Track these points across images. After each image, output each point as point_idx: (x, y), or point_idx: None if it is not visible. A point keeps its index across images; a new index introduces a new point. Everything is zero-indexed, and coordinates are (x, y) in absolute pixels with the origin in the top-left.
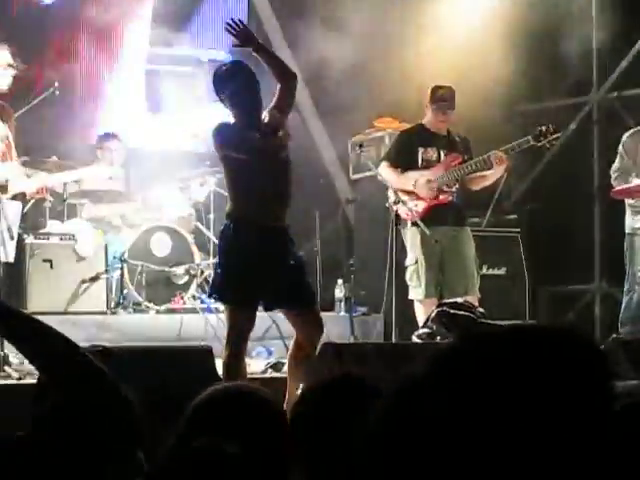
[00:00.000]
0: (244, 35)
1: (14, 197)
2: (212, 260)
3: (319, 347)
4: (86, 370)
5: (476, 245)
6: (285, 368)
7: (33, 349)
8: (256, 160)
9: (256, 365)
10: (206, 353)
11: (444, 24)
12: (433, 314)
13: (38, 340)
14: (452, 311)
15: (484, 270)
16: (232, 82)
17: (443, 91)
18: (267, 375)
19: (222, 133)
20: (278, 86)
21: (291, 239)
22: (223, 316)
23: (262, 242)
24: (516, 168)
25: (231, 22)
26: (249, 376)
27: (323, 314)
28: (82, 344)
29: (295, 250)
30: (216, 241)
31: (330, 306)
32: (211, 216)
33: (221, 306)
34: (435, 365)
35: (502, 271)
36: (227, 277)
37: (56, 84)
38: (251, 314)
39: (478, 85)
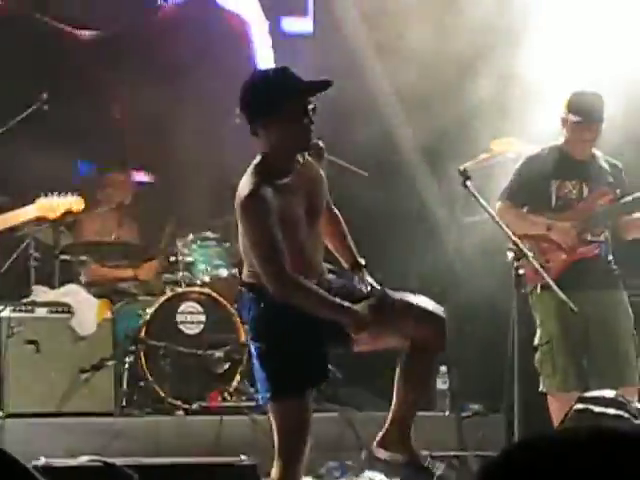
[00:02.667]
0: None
1: None
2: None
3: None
4: None
5: (637, 315)
6: None
7: None
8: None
9: None
10: (249, 472)
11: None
12: (571, 413)
13: None
14: (597, 409)
15: None
16: (283, 100)
17: (587, 99)
18: None
19: (258, 206)
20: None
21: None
22: None
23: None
24: None
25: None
26: None
27: (422, 414)
28: (81, 458)
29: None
30: None
31: (430, 403)
32: None
33: None
34: None
35: None
36: (281, 362)
37: (44, 95)
38: (310, 405)
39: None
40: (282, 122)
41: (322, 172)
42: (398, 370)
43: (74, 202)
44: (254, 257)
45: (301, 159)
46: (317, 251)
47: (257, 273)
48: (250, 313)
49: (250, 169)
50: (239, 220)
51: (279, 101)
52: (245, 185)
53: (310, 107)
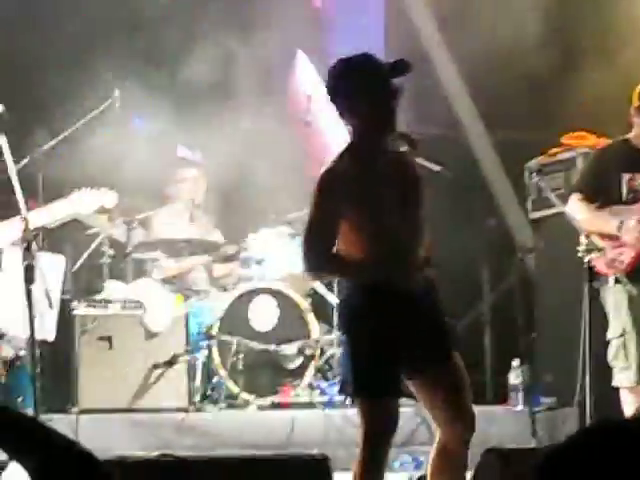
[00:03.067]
0: None
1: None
2: (336, 334)
3: (481, 456)
4: None
5: None
6: None
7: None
8: (384, 206)
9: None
10: (321, 465)
11: None
12: None
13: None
14: None
15: None
16: (360, 79)
17: None
18: None
19: (323, 184)
20: None
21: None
22: (353, 412)
23: (400, 308)
24: None
25: None
26: None
27: (494, 408)
28: (152, 453)
29: (438, 315)
30: None
31: (504, 397)
32: None
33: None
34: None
35: None
36: (362, 362)
37: (116, 92)
38: (397, 404)
39: None
40: (363, 106)
41: (419, 169)
42: (430, 463)
43: (107, 197)
44: None
45: (394, 147)
46: (412, 245)
47: None
48: (340, 307)
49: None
50: None
51: (359, 86)
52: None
53: (393, 90)
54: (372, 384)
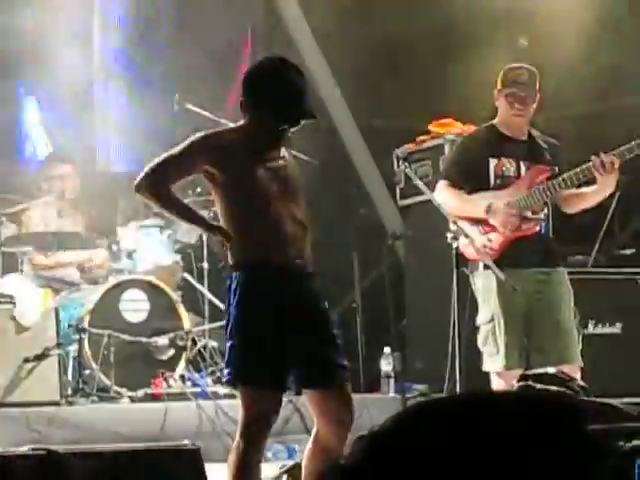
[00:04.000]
0: None
1: None
2: (207, 325)
3: (352, 444)
4: None
5: (577, 293)
6: None
7: None
8: (262, 185)
9: (270, 469)
10: (193, 455)
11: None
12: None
13: None
14: (539, 386)
15: (589, 328)
16: (276, 83)
17: (519, 73)
18: None
19: (209, 144)
20: None
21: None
22: (225, 403)
23: (289, 292)
24: (631, 184)
25: None
26: None
27: (366, 396)
28: (23, 447)
29: (323, 303)
30: (212, 298)
31: (375, 384)
32: (205, 265)
33: (222, 390)
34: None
35: (616, 328)
36: (248, 348)
37: None
38: (280, 396)
39: (572, 70)
40: (267, 110)
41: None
42: (306, 453)
43: None
44: None
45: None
46: (298, 235)
47: (241, 250)
48: (229, 291)
49: None
50: None
51: (263, 103)
52: None
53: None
54: (258, 374)
